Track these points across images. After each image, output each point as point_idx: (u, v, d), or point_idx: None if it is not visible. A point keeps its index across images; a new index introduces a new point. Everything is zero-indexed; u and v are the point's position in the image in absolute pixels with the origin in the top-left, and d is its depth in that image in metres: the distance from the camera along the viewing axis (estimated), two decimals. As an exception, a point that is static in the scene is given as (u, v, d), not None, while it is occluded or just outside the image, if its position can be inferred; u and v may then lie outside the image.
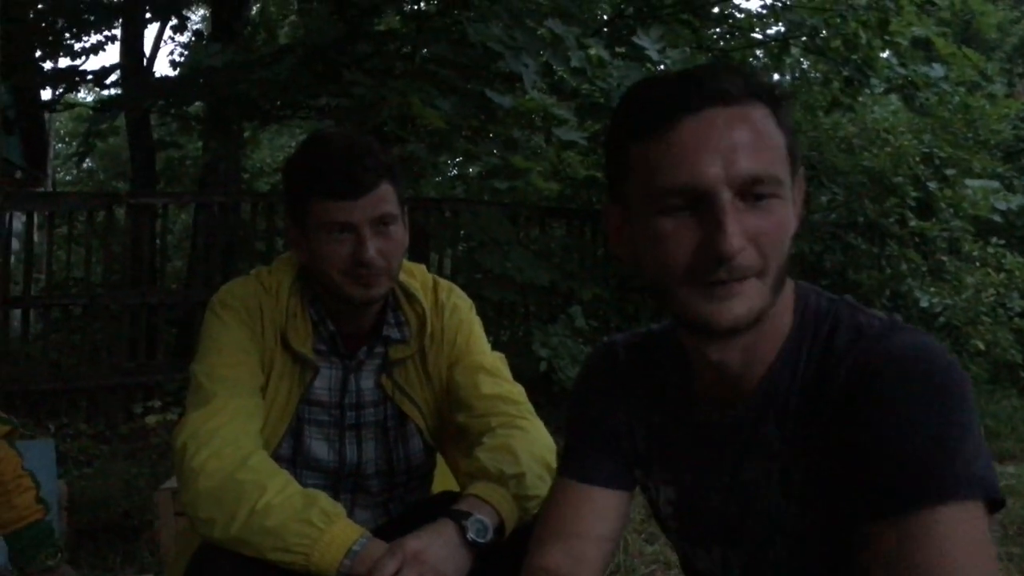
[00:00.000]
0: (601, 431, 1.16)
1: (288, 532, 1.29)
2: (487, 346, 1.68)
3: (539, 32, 4.63)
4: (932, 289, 6.43)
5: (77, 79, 6.65)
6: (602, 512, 1.13)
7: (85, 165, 17.25)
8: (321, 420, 1.60)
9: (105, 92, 6.84)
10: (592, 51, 4.57)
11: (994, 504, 0.87)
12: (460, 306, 1.67)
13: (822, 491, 0.96)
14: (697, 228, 0.89)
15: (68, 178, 18.42)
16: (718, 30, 7.22)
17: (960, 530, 0.83)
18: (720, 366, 1.00)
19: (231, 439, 1.39)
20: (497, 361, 1.65)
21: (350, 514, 1.48)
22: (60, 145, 17.58)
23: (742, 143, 0.88)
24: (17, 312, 5.84)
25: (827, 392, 0.96)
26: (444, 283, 1.70)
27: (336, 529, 1.31)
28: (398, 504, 1.68)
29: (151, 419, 5.24)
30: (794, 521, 0.98)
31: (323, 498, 1.35)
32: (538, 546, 1.13)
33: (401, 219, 1.51)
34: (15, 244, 7.80)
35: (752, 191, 0.89)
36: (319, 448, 1.59)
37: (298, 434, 1.58)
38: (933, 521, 0.83)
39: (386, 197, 1.47)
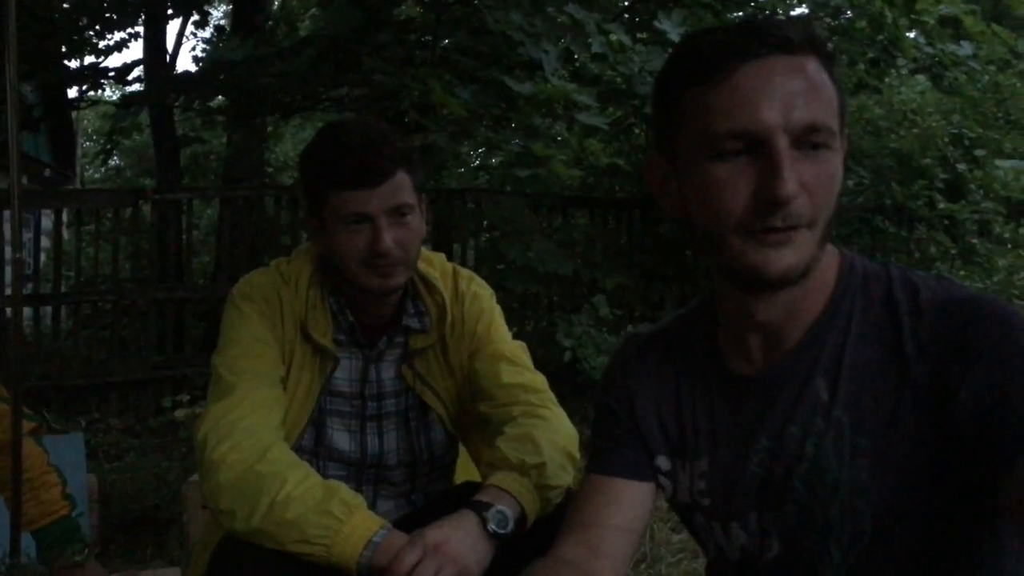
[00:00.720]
0: (621, 423, 1.16)
1: (308, 524, 1.29)
2: (508, 334, 1.66)
3: (559, 19, 4.60)
4: (963, 272, 6.33)
5: (101, 77, 6.69)
6: (622, 502, 1.12)
7: (112, 162, 17.44)
8: (342, 411, 1.60)
9: (129, 88, 6.89)
10: (613, 36, 4.53)
11: None
12: (480, 294, 1.66)
13: (886, 448, 0.93)
14: (753, 174, 0.90)
15: (96, 176, 18.63)
16: (740, 13, 7.14)
17: None
18: (765, 325, 1.00)
19: (251, 431, 1.40)
20: (518, 349, 1.64)
21: (372, 505, 1.50)
22: (87, 143, 17.78)
23: (801, 91, 0.89)
24: (48, 309, 5.91)
25: (896, 348, 0.94)
26: (464, 272, 1.69)
27: (356, 520, 1.30)
28: (420, 495, 1.68)
29: (180, 413, 5.29)
30: (843, 479, 0.96)
31: (343, 489, 1.35)
32: (559, 538, 1.14)
33: (418, 208, 1.50)
34: (44, 242, 7.90)
35: (808, 140, 0.89)
36: (340, 439, 1.59)
37: (320, 425, 1.58)
38: None
39: (402, 186, 1.45)
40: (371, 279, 1.47)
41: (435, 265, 1.65)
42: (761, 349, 1.03)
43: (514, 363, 1.60)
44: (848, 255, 1.03)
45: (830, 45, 0.93)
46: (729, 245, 0.93)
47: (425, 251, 1.64)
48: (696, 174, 0.94)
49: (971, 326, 0.90)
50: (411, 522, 1.49)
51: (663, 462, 1.14)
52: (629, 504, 1.13)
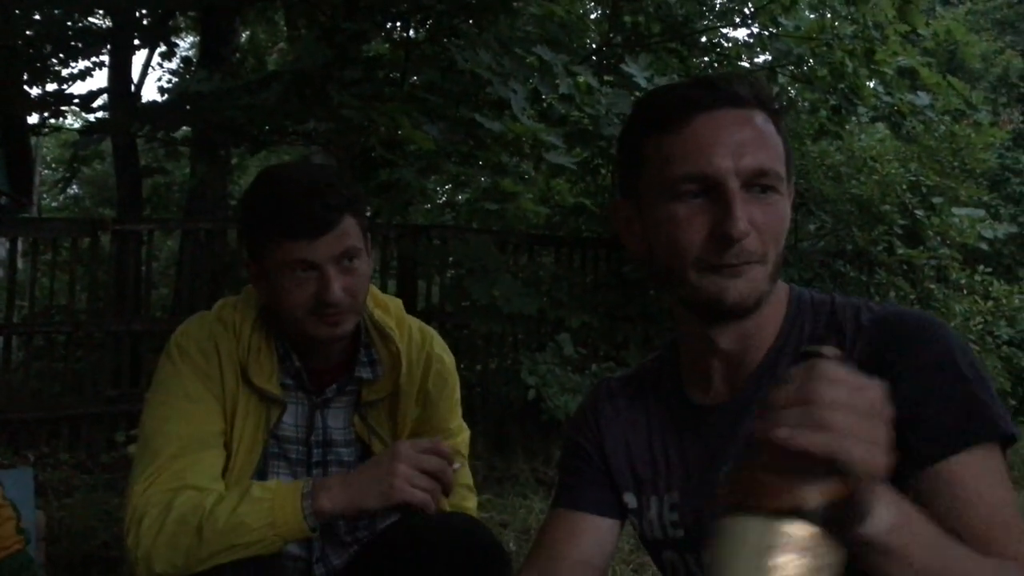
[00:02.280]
0: (589, 460, 1.19)
1: (242, 520, 1.31)
2: (459, 411, 1.69)
3: (528, 60, 4.64)
4: (921, 317, 6.42)
5: (63, 104, 6.61)
6: (583, 537, 1.15)
7: (71, 191, 17.18)
8: (288, 457, 1.56)
9: (92, 116, 6.80)
10: (580, 79, 4.58)
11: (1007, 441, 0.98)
12: (446, 364, 1.65)
13: None
14: (708, 214, 0.99)
15: (54, 204, 18.33)
16: (706, 59, 7.27)
17: (1001, 462, 0.96)
18: (725, 354, 1.08)
19: (175, 494, 1.38)
20: (467, 439, 1.69)
21: (320, 552, 1.54)
22: (46, 171, 17.53)
23: (749, 140, 0.99)
24: (-1, 339, 5.76)
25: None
26: (429, 330, 1.66)
27: (280, 490, 1.35)
28: (367, 533, 1.64)
29: (133, 448, 5.15)
30: None
31: (254, 484, 1.38)
32: (521, 569, 1.16)
33: (365, 250, 1.48)
34: (-2, 270, 7.73)
35: (758, 183, 0.99)
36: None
37: (266, 471, 1.54)
38: (985, 455, 0.94)
39: (349, 232, 1.43)
40: (318, 328, 1.44)
41: (391, 312, 1.62)
42: (723, 378, 1.10)
43: (465, 459, 1.65)
44: (795, 287, 1.12)
45: (777, 104, 1.07)
46: (688, 278, 1.01)
47: (381, 296, 1.62)
48: (658, 214, 1.03)
49: (899, 343, 0.99)
50: (356, 566, 1.54)
51: (630, 499, 1.16)
52: (591, 539, 1.15)
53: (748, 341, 1.07)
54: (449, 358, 1.66)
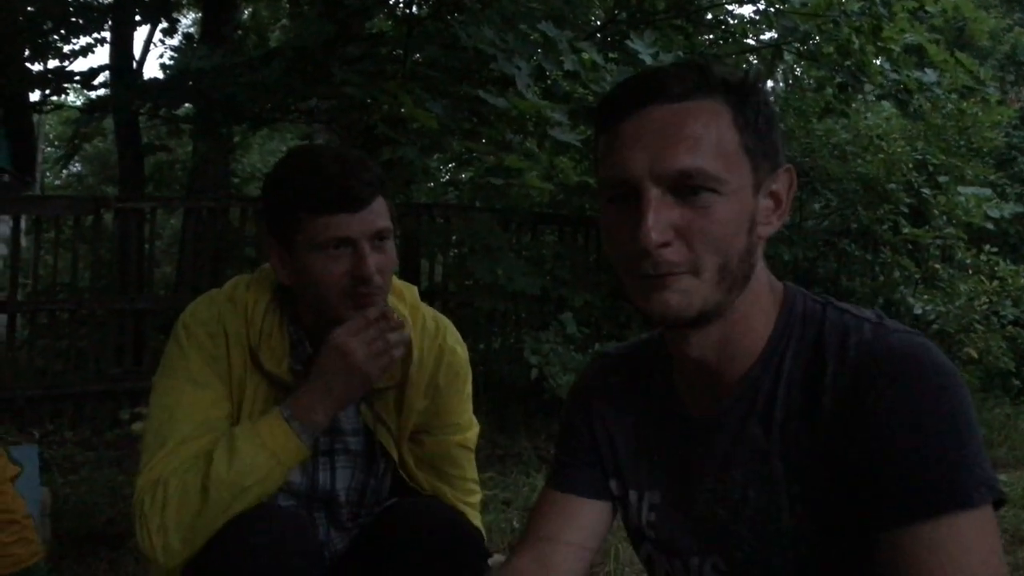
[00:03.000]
0: (582, 441, 1.17)
1: (244, 463, 1.34)
2: (470, 406, 1.68)
3: (532, 37, 4.60)
4: (925, 296, 6.41)
5: (65, 81, 6.57)
6: (577, 520, 1.13)
7: (73, 169, 17.17)
8: None
9: (93, 94, 6.78)
10: (585, 55, 4.54)
11: (998, 503, 0.88)
12: (459, 356, 1.63)
13: (817, 496, 0.94)
14: (629, 220, 0.93)
15: (56, 182, 18.31)
16: (711, 36, 7.21)
17: (970, 538, 0.84)
18: (699, 361, 1.01)
19: (182, 471, 1.39)
20: (476, 433, 1.69)
21: (326, 536, 1.55)
22: (48, 149, 17.50)
23: (674, 140, 0.91)
24: (3, 318, 5.77)
25: (818, 394, 0.94)
26: (442, 319, 1.65)
27: (262, 425, 1.38)
28: (370, 519, 1.65)
29: (138, 426, 5.17)
30: (784, 527, 0.95)
31: (233, 430, 1.40)
32: (514, 550, 1.15)
33: (393, 233, 1.47)
34: (1, 248, 7.73)
35: (685, 185, 0.91)
36: (294, 471, 1.52)
37: None
38: (946, 530, 0.84)
39: (381, 211, 1.43)
40: (348, 310, 1.41)
41: (405, 300, 1.61)
42: (703, 389, 1.04)
43: (472, 453, 1.66)
44: (792, 293, 1.04)
45: (745, 87, 0.96)
46: (627, 286, 0.97)
47: (397, 282, 1.60)
48: (601, 214, 0.99)
49: (879, 386, 0.90)
50: (359, 548, 1.55)
51: (614, 486, 1.15)
52: (585, 522, 1.14)
53: (724, 351, 1.00)
54: (462, 350, 1.64)
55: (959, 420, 0.88)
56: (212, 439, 1.41)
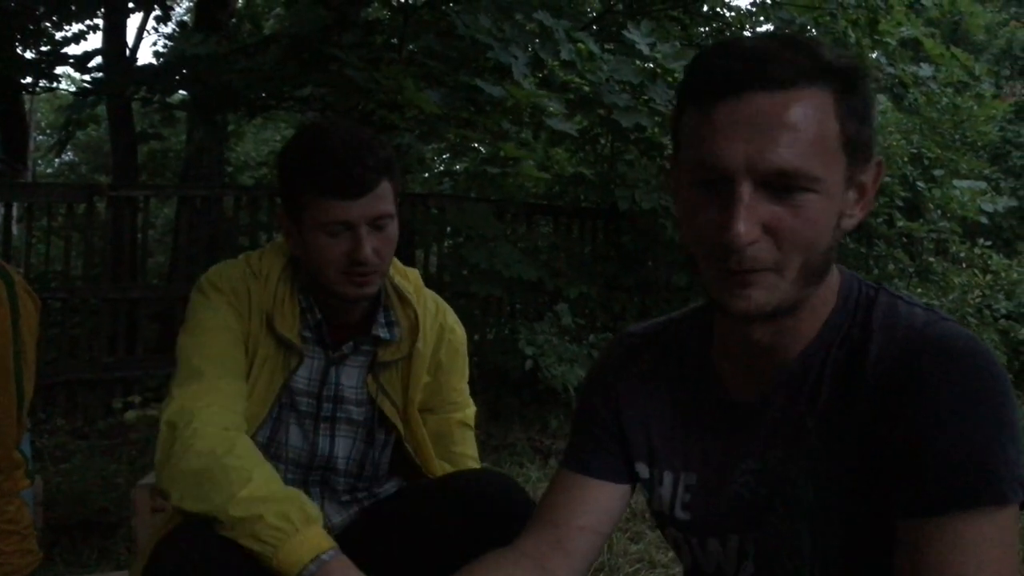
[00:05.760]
0: (602, 423, 1.14)
1: (264, 523, 1.28)
2: (467, 391, 1.72)
3: (528, 27, 4.58)
4: (919, 290, 6.43)
5: (58, 64, 6.51)
6: (591, 502, 1.11)
7: (66, 157, 17.08)
8: (299, 409, 1.58)
9: (87, 77, 6.72)
10: (582, 45, 4.52)
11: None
12: (459, 335, 1.70)
13: (852, 479, 0.93)
14: (716, 210, 0.89)
15: (49, 171, 18.23)
16: (707, 28, 7.19)
17: (995, 535, 0.84)
18: (755, 345, 0.99)
19: (220, 420, 1.39)
20: (474, 412, 1.72)
21: (321, 509, 1.49)
22: (41, 137, 17.41)
23: (774, 134, 0.86)
24: (-6, 305, 5.73)
25: (861, 375, 0.93)
26: (442, 302, 1.71)
27: (311, 532, 1.29)
28: (366, 492, 1.67)
29: (131, 415, 5.16)
30: (819, 508, 0.95)
31: (305, 499, 1.34)
32: (525, 530, 1.12)
33: (395, 215, 1.51)
34: (-7, 236, 7.66)
35: (779, 183, 0.87)
36: (294, 436, 1.58)
37: (276, 421, 1.56)
38: (973, 525, 0.84)
39: (384, 196, 1.46)
40: (347, 287, 1.48)
41: (410, 279, 1.66)
42: (754, 371, 1.02)
43: (472, 432, 1.69)
44: (849, 278, 1.02)
45: (849, 73, 0.90)
46: (704, 272, 0.93)
47: (401, 265, 1.65)
48: (682, 193, 0.94)
49: (924, 371, 0.88)
50: (362, 528, 1.55)
51: (642, 469, 1.12)
52: (600, 506, 1.12)
53: (785, 335, 0.98)
54: (461, 331, 1.71)
55: (1001, 415, 0.86)
56: (238, 386, 1.46)
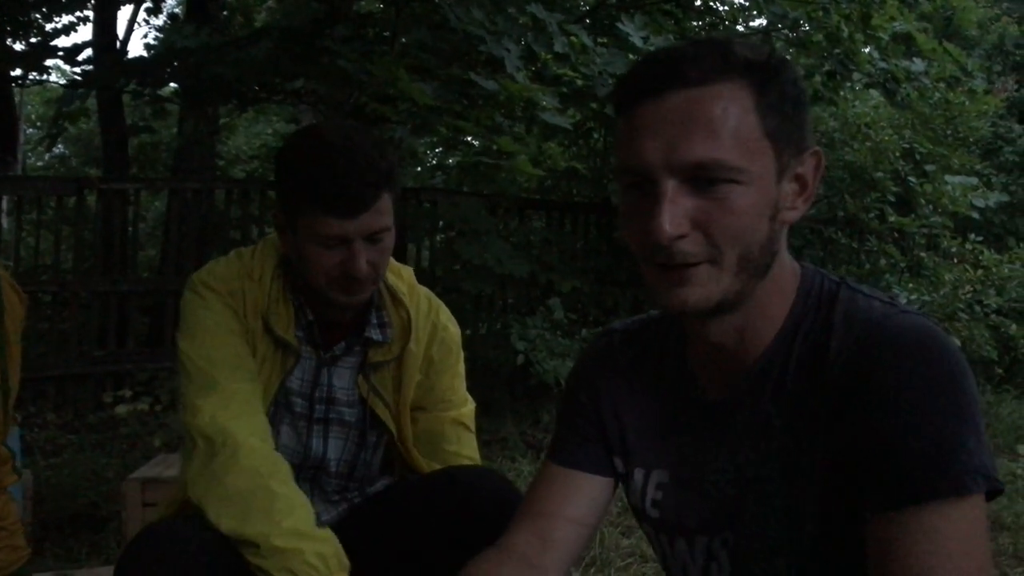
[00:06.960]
0: (586, 416, 1.15)
1: (302, 559, 1.28)
2: (464, 383, 1.69)
3: (521, 20, 4.56)
4: (910, 285, 6.44)
5: (48, 56, 6.46)
6: (577, 495, 1.11)
7: (56, 150, 16.95)
8: (293, 410, 1.57)
9: (76, 70, 6.68)
10: (575, 39, 4.51)
11: (993, 493, 0.87)
12: (452, 333, 1.66)
13: (821, 475, 0.93)
14: (644, 209, 0.91)
15: (39, 164, 18.11)
16: (701, 22, 7.19)
17: (960, 526, 0.84)
18: (717, 345, 1.00)
19: (257, 432, 1.39)
20: (472, 410, 1.70)
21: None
22: (31, 130, 17.31)
23: (689, 128, 0.88)
24: (-17, 298, 5.70)
25: (821, 374, 0.94)
26: (436, 300, 1.68)
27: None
28: (357, 492, 1.66)
29: (121, 409, 5.14)
30: (792, 506, 0.95)
31: (338, 545, 1.35)
32: (512, 525, 1.12)
33: (393, 226, 1.47)
34: (-18, 229, 7.63)
35: (701, 176, 0.89)
36: (288, 437, 1.56)
37: (273, 420, 1.54)
38: (936, 517, 0.84)
39: (383, 210, 1.42)
40: (338, 295, 1.45)
41: (404, 279, 1.64)
42: (720, 372, 1.03)
43: (470, 431, 1.67)
44: (810, 273, 1.02)
45: (768, 67, 0.93)
46: (645, 274, 0.95)
47: (395, 263, 1.62)
48: (621, 198, 0.97)
49: (885, 364, 0.89)
50: (351, 524, 1.54)
51: (618, 463, 1.13)
52: (586, 498, 1.12)
53: (743, 335, 0.99)
54: (455, 328, 1.67)
55: (960, 405, 0.87)
56: (254, 388, 1.45)
